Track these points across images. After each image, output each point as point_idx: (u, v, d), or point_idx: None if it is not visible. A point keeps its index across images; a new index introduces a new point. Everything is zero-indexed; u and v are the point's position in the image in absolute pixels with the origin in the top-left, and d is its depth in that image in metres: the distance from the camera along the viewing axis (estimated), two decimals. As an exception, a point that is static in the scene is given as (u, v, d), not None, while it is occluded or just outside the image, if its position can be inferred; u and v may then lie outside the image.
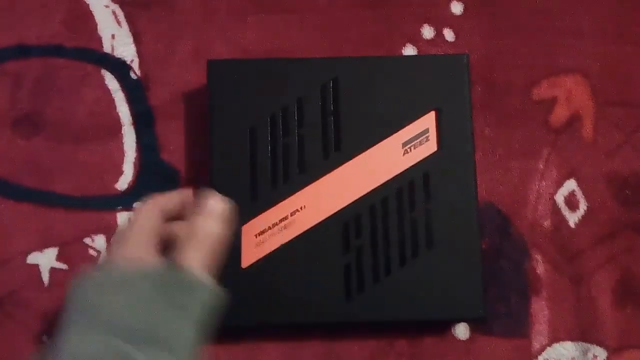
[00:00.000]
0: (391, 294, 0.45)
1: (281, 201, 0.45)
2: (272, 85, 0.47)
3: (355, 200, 0.45)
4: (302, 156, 0.46)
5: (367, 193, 0.46)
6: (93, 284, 0.35)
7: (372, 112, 0.46)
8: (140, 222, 0.38)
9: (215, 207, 0.39)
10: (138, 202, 0.49)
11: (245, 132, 0.46)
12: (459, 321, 0.48)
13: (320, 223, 0.45)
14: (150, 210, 0.39)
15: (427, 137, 0.46)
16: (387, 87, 0.47)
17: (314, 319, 0.45)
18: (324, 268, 0.44)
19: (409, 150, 0.46)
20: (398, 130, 0.46)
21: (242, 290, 0.43)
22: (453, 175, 0.46)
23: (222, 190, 0.42)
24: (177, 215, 0.40)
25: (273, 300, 0.44)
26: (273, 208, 0.45)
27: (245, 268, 0.44)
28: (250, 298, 0.44)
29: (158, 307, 0.34)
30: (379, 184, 0.46)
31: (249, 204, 0.45)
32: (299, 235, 0.45)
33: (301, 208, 0.45)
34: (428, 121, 0.47)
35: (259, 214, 0.45)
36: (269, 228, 0.45)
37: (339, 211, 0.45)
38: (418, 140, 0.46)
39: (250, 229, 0.45)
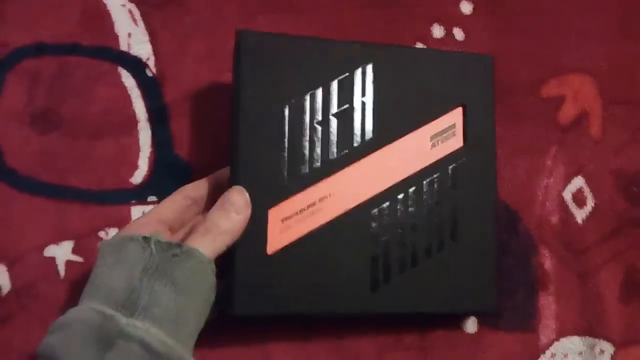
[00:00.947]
0: (415, 286, 0.44)
1: (309, 187, 0.44)
2: (306, 64, 0.45)
3: (384, 191, 0.45)
4: (331, 142, 0.45)
5: (395, 184, 0.45)
6: (101, 253, 0.40)
7: (404, 102, 0.46)
8: (162, 202, 0.43)
9: (233, 200, 0.41)
10: (152, 197, 0.50)
11: (273, 114, 0.43)
12: (470, 315, 0.49)
13: (347, 212, 0.44)
14: (175, 194, 0.43)
15: (454, 132, 0.47)
16: (420, 78, 0.46)
17: (338, 309, 0.43)
18: (351, 258, 0.43)
19: (436, 143, 0.46)
20: (427, 123, 0.46)
21: (267, 277, 0.42)
22: (477, 171, 0.46)
23: (248, 172, 0.42)
24: (205, 204, 0.43)
25: (297, 288, 0.43)
26: (300, 193, 0.43)
27: (271, 255, 0.43)
28: (275, 286, 0.42)
29: (147, 278, 0.37)
30: (407, 176, 0.45)
31: (276, 187, 0.43)
32: (326, 223, 0.43)
33: (329, 195, 0.44)
34: (455, 116, 0.47)
35: (287, 199, 0.43)
36: (296, 214, 0.43)
37: (366, 200, 0.44)
38: (445, 134, 0.47)
39: (277, 213, 0.43)
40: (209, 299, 0.40)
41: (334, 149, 0.45)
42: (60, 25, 0.52)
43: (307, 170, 0.44)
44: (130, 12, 0.53)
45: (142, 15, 0.52)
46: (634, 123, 0.52)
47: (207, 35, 0.53)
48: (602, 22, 0.54)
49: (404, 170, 0.46)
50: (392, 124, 0.46)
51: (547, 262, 0.50)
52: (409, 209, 0.45)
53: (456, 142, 0.47)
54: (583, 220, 0.51)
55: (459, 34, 0.53)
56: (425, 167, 0.46)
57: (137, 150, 0.50)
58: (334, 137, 0.45)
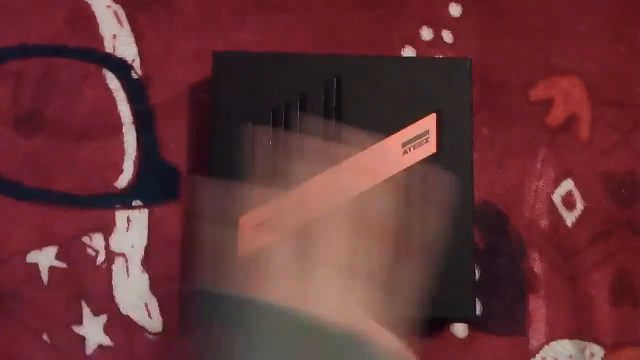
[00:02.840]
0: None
1: (280, 195, 0.44)
2: (276, 79, 0.47)
3: (354, 197, 0.45)
4: (303, 152, 0.45)
5: (366, 190, 0.45)
6: None
7: (374, 111, 0.47)
8: None
9: None
10: (137, 201, 0.49)
11: (246, 125, 0.46)
12: (451, 321, 0.48)
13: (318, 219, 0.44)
14: None
15: (427, 138, 0.47)
16: (389, 87, 0.47)
17: None
18: None
19: (408, 150, 0.47)
20: (398, 130, 0.47)
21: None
22: (451, 177, 0.46)
23: (221, 181, 0.42)
24: None
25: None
26: (271, 201, 0.44)
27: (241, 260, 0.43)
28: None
29: None
30: (377, 182, 0.46)
31: (248, 195, 0.44)
32: (297, 229, 0.44)
33: (300, 202, 0.45)
34: (429, 123, 0.47)
35: (257, 207, 0.44)
36: (266, 221, 0.44)
37: (336, 208, 0.45)
38: (418, 141, 0.47)
39: (248, 220, 0.44)
40: None
41: (305, 158, 0.45)
42: (45, 26, 0.52)
43: (278, 179, 0.44)
44: (115, 13, 0.52)
45: (128, 16, 0.52)
46: (624, 125, 0.52)
47: (194, 36, 0.52)
48: (592, 24, 0.54)
49: (374, 177, 0.45)
50: (363, 133, 0.46)
51: (537, 265, 0.50)
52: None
53: (429, 148, 0.47)
54: (573, 223, 0.50)
55: (447, 36, 0.53)
56: (396, 174, 0.46)
57: (123, 153, 0.50)
58: (304, 147, 0.45)
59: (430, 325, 0.48)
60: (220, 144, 0.46)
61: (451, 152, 0.47)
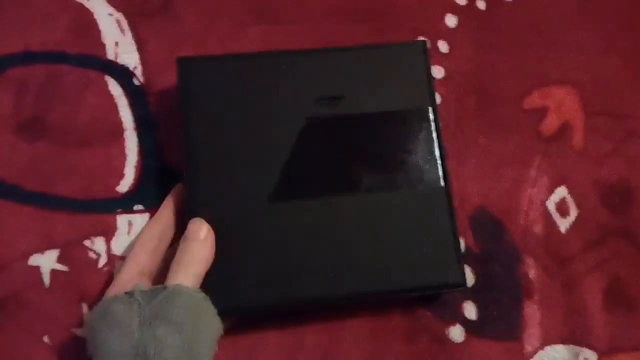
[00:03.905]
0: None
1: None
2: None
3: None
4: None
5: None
6: (90, 325, 0.40)
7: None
8: (134, 251, 0.44)
9: (195, 231, 0.43)
10: (138, 205, 0.50)
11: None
12: (441, 291, 0.48)
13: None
14: (140, 240, 0.45)
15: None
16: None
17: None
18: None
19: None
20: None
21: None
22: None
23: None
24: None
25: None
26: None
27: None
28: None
29: (146, 328, 0.38)
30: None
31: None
32: None
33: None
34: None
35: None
36: None
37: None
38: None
39: None
40: (214, 324, 0.41)
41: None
42: (48, 33, 0.52)
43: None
44: (117, 21, 0.53)
45: (130, 24, 0.53)
46: (617, 134, 0.53)
47: (195, 45, 0.53)
48: (585, 34, 0.55)
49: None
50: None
51: (532, 271, 0.50)
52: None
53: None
54: (566, 230, 0.51)
55: (443, 46, 0.54)
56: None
57: (124, 158, 0.51)
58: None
59: (424, 300, 0.49)
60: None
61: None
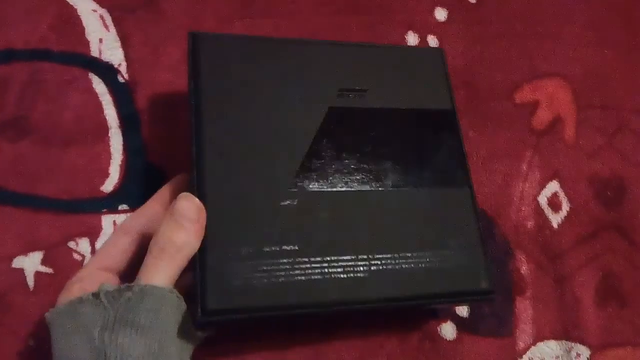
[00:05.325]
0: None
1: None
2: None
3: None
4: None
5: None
6: (53, 325, 0.37)
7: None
8: (103, 248, 0.40)
9: (183, 209, 0.37)
10: (123, 205, 0.49)
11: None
12: (467, 300, 0.46)
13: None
14: (115, 234, 0.41)
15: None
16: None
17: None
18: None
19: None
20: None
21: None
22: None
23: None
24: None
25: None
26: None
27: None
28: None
29: (109, 334, 0.34)
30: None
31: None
32: None
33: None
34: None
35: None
36: None
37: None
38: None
39: None
40: (185, 327, 0.37)
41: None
42: (31, 31, 0.52)
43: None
44: (101, 17, 0.52)
45: (114, 20, 0.52)
46: (609, 127, 0.52)
47: (181, 41, 0.52)
48: (576, 27, 0.54)
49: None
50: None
51: (524, 266, 0.50)
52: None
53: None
54: (558, 225, 0.51)
55: (433, 41, 0.54)
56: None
57: (109, 157, 0.50)
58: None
59: (420, 326, 0.48)
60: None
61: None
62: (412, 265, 0.42)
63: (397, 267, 0.42)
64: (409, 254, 0.43)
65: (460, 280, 0.43)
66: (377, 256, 0.42)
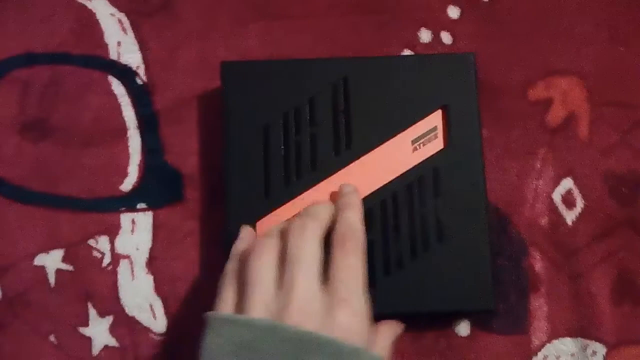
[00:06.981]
0: (402, 288, 0.45)
1: (294, 198, 0.46)
2: (284, 85, 0.47)
3: (367, 196, 0.46)
4: (314, 154, 0.47)
5: (378, 189, 0.46)
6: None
7: (382, 110, 0.47)
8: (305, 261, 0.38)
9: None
10: (141, 203, 0.50)
11: (258, 132, 0.47)
12: (468, 314, 0.49)
13: None
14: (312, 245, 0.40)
15: (436, 134, 0.48)
16: (396, 85, 0.48)
17: None
18: None
19: (418, 147, 0.47)
20: (407, 128, 0.47)
21: None
22: (461, 170, 0.47)
23: (236, 189, 0.45)
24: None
25: None
26: (286, 204, 0.46)
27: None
28: None
29: None
30: (389, 180, 0.47)
31: (263, 201, 0.46)
32: None
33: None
34: (436, 118, 0.48)
35: (273, 210, 0.46)
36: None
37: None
38: (427, 137, 0.47)
39: (265, 225, 0.45)
40: None
41: (316, 161, 0.47)
42: (51, 35, 0.53)
43: (292, 183, 0.46)
44: (119, 21, 0.53)
45: (132, 24, 0.53)
46: (623, 124, 0.52)
47: (198, 43, 0.53)
48: (590, 24, 0.54)
49: (385, 175, 0.47)
50: (372, 133, 0.47)
51: (538, 264, 0.50)
52: (391, 212, 0.46)
53: (438, 144, 0.48)
54: (573, 222, 0.51)
55: (446, 38, 0.54)
56: (407, 171, 0.47)
57: (127, 157, 0.51)
58: (316, 149, 0.47)
59: (434, 324, 0.48)
60: (235, 152, 0.46)
61: (460, 146, 0.47)
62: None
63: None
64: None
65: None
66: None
